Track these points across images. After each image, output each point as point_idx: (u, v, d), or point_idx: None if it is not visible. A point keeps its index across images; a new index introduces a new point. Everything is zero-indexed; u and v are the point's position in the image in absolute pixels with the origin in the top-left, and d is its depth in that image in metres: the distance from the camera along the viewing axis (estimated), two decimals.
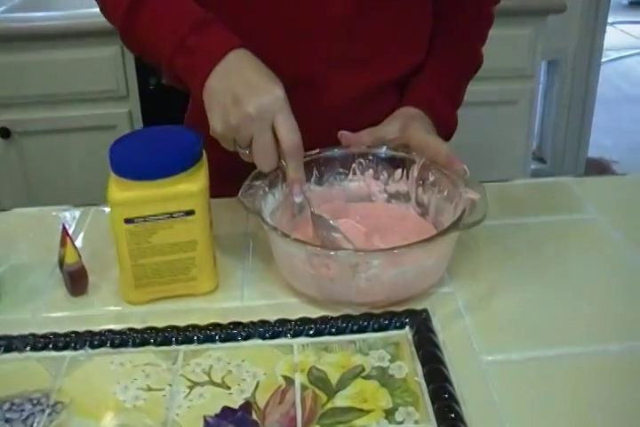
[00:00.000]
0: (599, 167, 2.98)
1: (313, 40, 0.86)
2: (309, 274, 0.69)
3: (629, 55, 4.53)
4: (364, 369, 0.63)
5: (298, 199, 0.75)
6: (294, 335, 0.68)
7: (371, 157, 0.84)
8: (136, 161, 0.69)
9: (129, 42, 0.83)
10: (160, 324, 0.70)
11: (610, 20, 2.62)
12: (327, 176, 0.85)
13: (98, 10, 0.86)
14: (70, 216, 0.92)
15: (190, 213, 0.70)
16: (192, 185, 0.70)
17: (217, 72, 0.74)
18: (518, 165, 2.17)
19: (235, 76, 0.73)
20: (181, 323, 0.70)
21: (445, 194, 0.78)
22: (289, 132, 0.71)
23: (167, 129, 0.75)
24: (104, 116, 1.89)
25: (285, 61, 0.82)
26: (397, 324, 0.68)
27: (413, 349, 0.65)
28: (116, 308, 0.74)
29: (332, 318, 0.69)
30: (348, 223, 0.80)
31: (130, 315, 0.73)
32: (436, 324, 0.69)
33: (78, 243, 0.84)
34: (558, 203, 0.91)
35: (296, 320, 0.69)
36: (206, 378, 0.64)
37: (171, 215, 0.70)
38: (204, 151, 0.75)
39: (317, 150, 0.84)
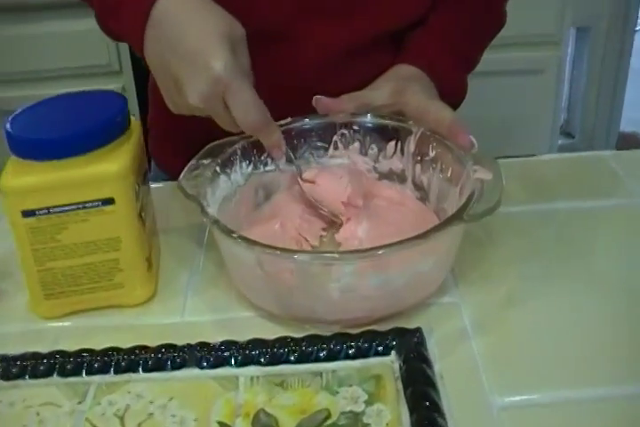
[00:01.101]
0: (632, 142, 2.77)
1: None
2: (264, 282, 0.52)
3: None
4: (329, 415, 0.46)
5: (283, 164, 0.64)
6: (242, 364, 0.51)
7: (356, 128, 0.67)
8: (36, 136, 0.53)
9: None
10: (73, 346, 0.54)
11: None
12: (302, 151, 0.67)
13: None
14: None
15: (108, 201, 0.54)
16: (110, 165, 0.53)
17: (148, 35, 0.57)
18: (544, 141, 2.02)
19: (165, 40, 0.56)
20: (100, 344, 0.53)
21: (449, 174, 0.61)
22: (244, 113, 0.56)
23: (85, 95, 0.59)
24: None
25: (243, 10, 0.65)
26: (380, 348, 0.51)
27: (400, 385, 0.48)
28: (21, 325, 0.58)
29: (292, 340, 0.52)
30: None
31: (37, 334, 0.56)
32: (433, 348, 0.51)
33: None
34: (595, 183, 0.73)
35: (246, 343, 0.52)
36: (117, 425, 0.47)
37: (83, 205, 0.53)
38: (134, 120, 0.58)
39: (289, 119, 0.66)
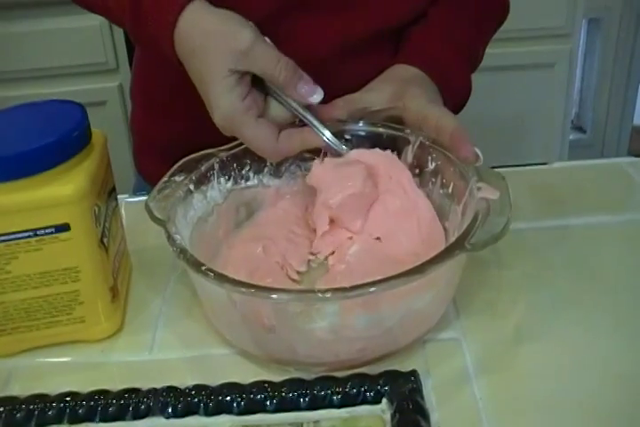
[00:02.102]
0: None
1: None
2: (239, 320, 0.46)
3: None
4: None
5: (318, 96, 0.56)
6: (213, 412, 0.45)
7: (348, 137, 0.60)
8: None
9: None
10: (26, 388, 0.48)
11: None
12: (287, 164, 0.61)
13: None
14: None
15: (63, 228, 0.47)
16: (64, 187, 0.47)
17: (179, 44, 0.56)
18: (555, 136, 1.96)
19: (190, 55, 0.56)
20: (56, 387, 0.48)
21: (451, 189, 0.54)
22: (255, 148, 0.56)
23: (39, 106, 0.52)
24: (92, 92, 1.71)
25: (221, 2, 0.59)
26: (370, 395, 0.44)
27: None
28: None
29: (270, 384, 0.45)
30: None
31: None
32: (430, 395, 0.45)
33: None
34: (611, 195, 0.66)
35: (219, 387, 0.46)
36: None
37: (35, 232, 0.47)
38: (98, 132, 0.52)
39: None
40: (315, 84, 0.55)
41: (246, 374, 0.47)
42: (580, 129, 2.49)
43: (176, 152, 0.58)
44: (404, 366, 0.47)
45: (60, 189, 0.47)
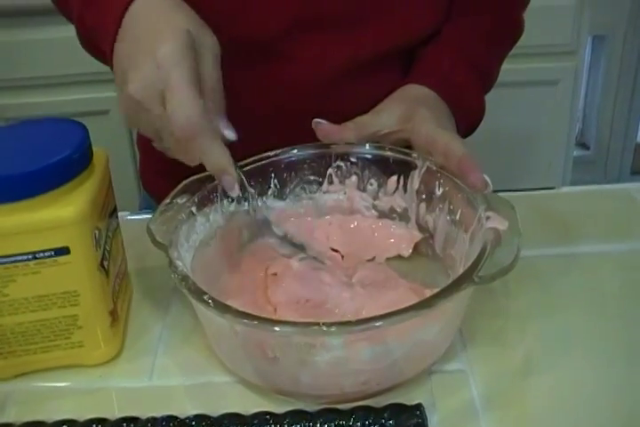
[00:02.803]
0: None
1: None
2: (241, 350, 0.45)
3: None
4: None
5: (234, 193, 0.53)
6: None
7: (354, 160, 0.59)
8: None
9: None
10: (22, 413, 0.47)
11: None
12: (292, 186, 0.60)
13: None
14: None
15: (63, 251, 0.46)
16: (64, 209, 0.46)
17: (122, 30, 0.52)
18: (559, 153, 1.94)
19: (130, 34, 0.51)
20: (54, 412, 0.46)
21: (458, 216, 0.53)
22: (178, 106, 0.48)
23: (39, 125, 0.51)
24: (95, 101, 1.69)
25: (231, 21, 0.58)
26: None
27: None
28: None
29: (272, 416, 0.44)
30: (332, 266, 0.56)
31: None
32: None
33: None
34: (622, 222, 0.65)
35: (219, 417, 0.45)
36: None
37: (34, 255, 0.46)
38: (99, 151, 0.51)
39: (278, 151, 0.59)
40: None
41: (247, 403, 0.46)
42: (583, 146, 2.48)
43: (182, 171, 0.57)
44: (409, 398, 0.45)
45: (60, 212, 0.46)
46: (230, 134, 0.51)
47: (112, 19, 0.53)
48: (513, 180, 1.92)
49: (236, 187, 0.52)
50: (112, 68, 0.54)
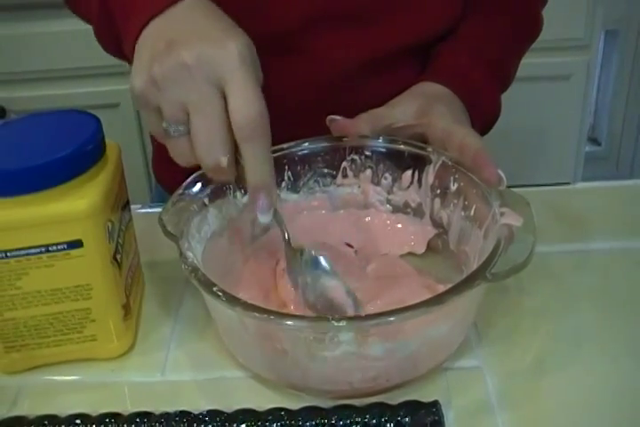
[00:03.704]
0: None
1: None
2: (252, 343, 0.45)
3: None
4: None
5: (265, 219, 0.47)
6: None
7: (368, 153, 0.59)
8: None
9: None
10: (35, 407, 0.47)
11: None
12: (305, 179, 0.60)
13: None
14: None
15: (76, 244, 0.46)
16: (78, 202, 0.46)
17: (161, 17, 0.48)
18: (571, 148, 1.93)
19: (181, 23, 0.47)
20: (66, 406, 0.46)
21: (473, 212, 0.53)
22: (245, 102, 0.44)
23: (52, 117, 0.51)
24: (106, 94, 1.69)
25: (246, 18, 0.57)
26: (390, 426, 0.43)
27: None
28: None
29: (286, 412, 0.44)
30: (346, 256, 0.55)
31: None
32: (452, 426, 0.43)
33: None
34: (636, 219, 0.64)
35: (233, 413, 0.44)
36: None
37: (47, 248, 0.46)
38: (112, 143, 0.51)
39: (292, 143, 0.59)
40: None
41: (260, 398, 0.46)
42: (594, 141, 2.47)
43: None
44: (424, 394, 0.45)
45: (73, 205, 0.45)
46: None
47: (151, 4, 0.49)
48: (524, 174, 1.90)
49: (271, 212, 0.47)
50: (130, 45, 0.50)
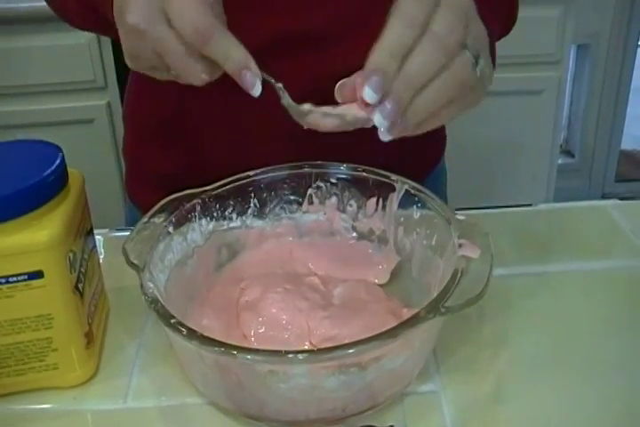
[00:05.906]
0: (634, 160, 2.70)
1: (253, 12, 0.62)
2: (210, 373, 0.45)
3: None
4: None
5: (257, 91, 0.47)
6: None
7: (334, 180, 0.60)
8: None
9: None
10: None
11: None
12: (272, 206, 0.60)
13: None
14: None
15: (37, 275, 0.46)
16: (39, 233, 0.46)
17: None
18: (544, 161, 1.95)
19: None
20: None
21: (434, 241, 0.53)
22: (185, 11, 0.45)
23: (12, 146, 0.51)
24: (80, 109, 1.69)
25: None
26: None
27: None
28: None
29: None
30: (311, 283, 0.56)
31: None
32: None
33: None
34: (597, 241, 0.66)
35: None
36: None
37: (7, 279, 0.46)
38: (75, 172, 0.51)
39: (258, 170, 0.59)
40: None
41: (221, 426, 0.46)
42: (568, 153, 2.50)
43: (170, 182, 0.56)
44: (381, 420, 0.46)
45: (34, 236, 0.46)
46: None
47: None
48: (497, 188, 1.93)
49: (258, 83, 0.47)
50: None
